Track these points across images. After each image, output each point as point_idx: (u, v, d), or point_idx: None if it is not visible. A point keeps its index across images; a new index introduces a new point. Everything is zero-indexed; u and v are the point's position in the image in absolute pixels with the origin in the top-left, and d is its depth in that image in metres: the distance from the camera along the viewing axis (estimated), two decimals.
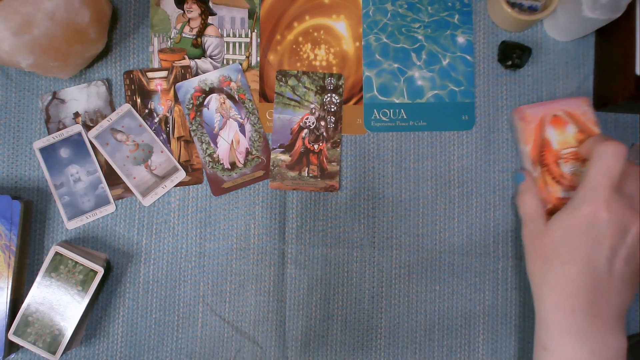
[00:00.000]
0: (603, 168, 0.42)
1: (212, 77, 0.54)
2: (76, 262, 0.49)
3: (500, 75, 0.55)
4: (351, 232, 0.54)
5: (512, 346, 0.53)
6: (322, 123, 0.54)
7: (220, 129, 0.54)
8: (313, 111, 0.54)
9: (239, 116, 0.54)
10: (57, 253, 0.49)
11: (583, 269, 0.42)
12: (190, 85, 0.53)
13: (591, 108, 0.50)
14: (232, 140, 0.54)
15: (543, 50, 0.55)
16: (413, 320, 0.54)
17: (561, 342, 0.43)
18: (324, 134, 0.54)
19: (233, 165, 0.54)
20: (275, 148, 0.54)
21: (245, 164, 0.54)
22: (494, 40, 0.55)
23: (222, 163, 0.54)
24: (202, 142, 0.53)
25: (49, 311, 0.49)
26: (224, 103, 0.54)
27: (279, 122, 0.54)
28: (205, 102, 0.54)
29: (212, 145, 0.53)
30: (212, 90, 0.54)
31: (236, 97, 0.54)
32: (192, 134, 0.53)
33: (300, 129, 0.54)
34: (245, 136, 0.54)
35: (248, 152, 0.54)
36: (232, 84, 0.54)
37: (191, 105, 0.53)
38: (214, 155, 0.53)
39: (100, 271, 0.49)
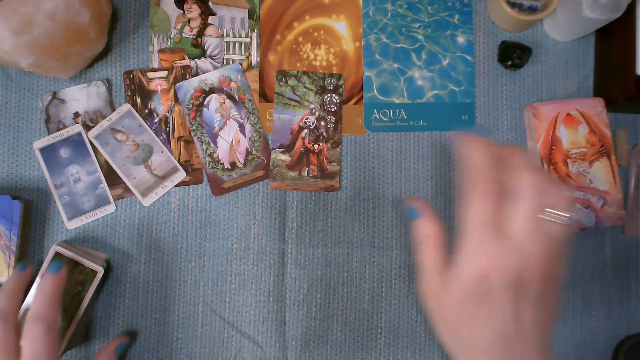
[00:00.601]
0: (475, 213, 0.36)
1: (212, 77, 0.54)
2: (76, 262, 0.49)
3: (500, 75, 0.55)
4: (351, 232, 0.54)
5: None
6: (322, 123, 0.54)
7: (220, 129, 0.54)
8: (313, 111, 0.54)
9: (239, 116, 0.54)
10: (57, 253, 0.49)
11: (493, 336, 0.37)
12: (190, 85, 0.53)
13: (605, 110, 0.50)
14: (232, 140, 0.54)
15: (543, 50, 0.55)
16: (413, 320, 0.54)
17: None
18: (324, 134, 0.54)
19: (233, 165, 0.54)
20: (275, 148, 0.54)
21: (245, 164, 0.54)
22: (494, 40, 0.55)
23: (222, 163, 0.53)
24: (202, 142, 0.53)
25: None
26: (224, 103, 0.54)
27: (279, 122, 0.54)
28: (205, 102, 0.54)
29: (212, 145, 0.53)
30: (212, 90, 0.54)
31: (236, 97, 0.54)
32: (192, 134, 0.53)
33: (300, 129, 0.54)
34: (245, 136, 0.54)
35: (248, 152, 0.54)
36: (232, 84, 0.54)
37: (191, 105, 0.53)
38: (214, 155, 0.53)
39: (100, 271, 0.49)
